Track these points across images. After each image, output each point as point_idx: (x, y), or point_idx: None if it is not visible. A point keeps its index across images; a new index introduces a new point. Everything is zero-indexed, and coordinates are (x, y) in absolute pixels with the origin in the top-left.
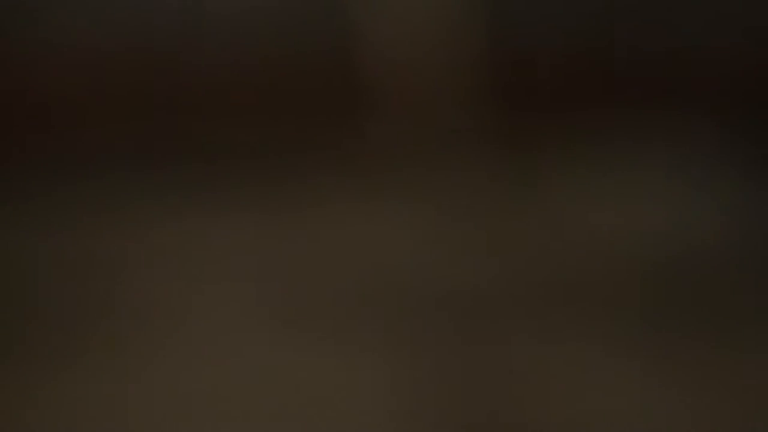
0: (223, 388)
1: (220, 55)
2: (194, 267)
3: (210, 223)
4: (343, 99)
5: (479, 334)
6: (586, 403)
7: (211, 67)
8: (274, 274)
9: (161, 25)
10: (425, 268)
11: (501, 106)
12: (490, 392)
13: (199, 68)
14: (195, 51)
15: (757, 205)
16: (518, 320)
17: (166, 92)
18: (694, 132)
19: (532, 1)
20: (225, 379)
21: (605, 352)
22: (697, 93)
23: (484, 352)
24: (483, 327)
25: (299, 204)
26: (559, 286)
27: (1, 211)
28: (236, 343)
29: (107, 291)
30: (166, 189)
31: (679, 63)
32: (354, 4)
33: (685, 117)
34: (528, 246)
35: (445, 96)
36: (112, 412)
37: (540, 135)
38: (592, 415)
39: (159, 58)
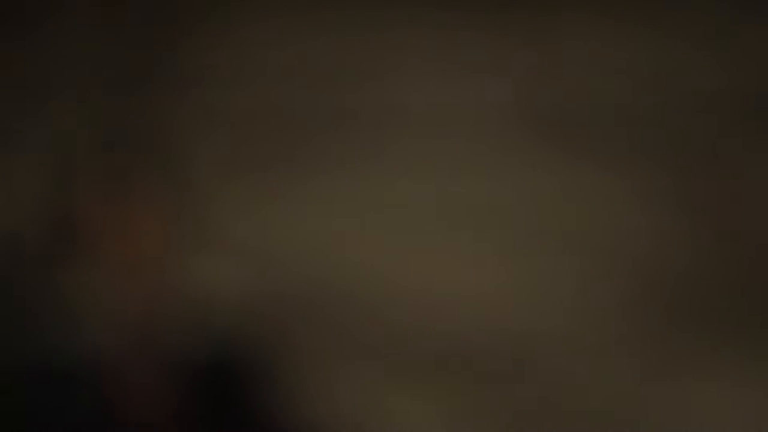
0: (473, 199)
1: None
2: (448, 74)
3: (465, 37)
4: None
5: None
6: None
7: None
8: (529, 91)
9: None
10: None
11: None
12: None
13: None
14: None
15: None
16: None
17: None
18: None
19: None
20: (474, 188)
21: None
22: None
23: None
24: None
25: (547, 28)
26: None
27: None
28: (491, 152)
29: (354, 98)
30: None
31: None
32: None
33: None
34: None
35: None
36: (365, 210)
37: None
38: None
39: None
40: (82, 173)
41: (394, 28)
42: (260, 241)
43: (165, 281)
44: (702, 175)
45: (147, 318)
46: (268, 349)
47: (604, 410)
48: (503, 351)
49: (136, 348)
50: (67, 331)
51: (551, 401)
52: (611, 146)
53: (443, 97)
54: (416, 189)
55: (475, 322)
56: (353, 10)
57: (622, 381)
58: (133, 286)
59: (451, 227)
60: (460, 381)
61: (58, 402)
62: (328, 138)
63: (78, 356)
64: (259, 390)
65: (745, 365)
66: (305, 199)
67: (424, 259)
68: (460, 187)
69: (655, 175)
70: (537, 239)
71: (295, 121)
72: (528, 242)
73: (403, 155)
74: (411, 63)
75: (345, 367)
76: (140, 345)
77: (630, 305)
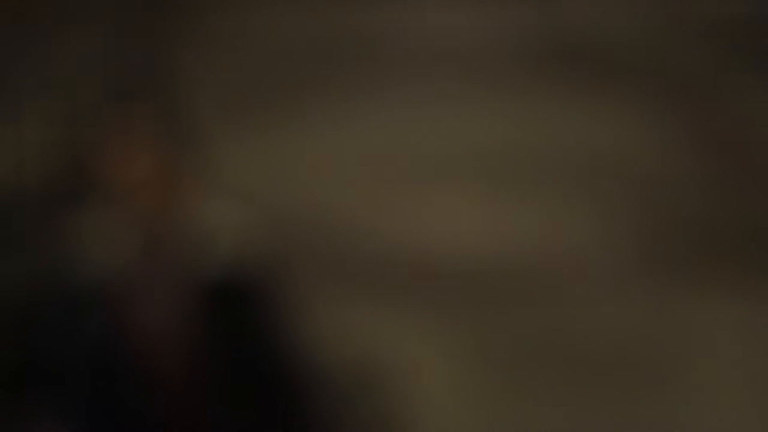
0: (473, 138)
1: None
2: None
3: None
4: None
5: None
6: None
7: None
8: (533, 23)
9: None
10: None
11: None
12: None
13: None
14: None
15: None
16: None
17: None
18: None
19: None
20: (475, 129)
21: None
22: None
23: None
24: None
25: None
26: None
27: None
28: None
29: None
30: None
31: None
32: None
33: None
34: None
35: None
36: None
37: None
38: None
39: None
40: (88, 114)
41: None
42: (263, 174)
43: (171, 215)
44: (706, 107)
45: (154, 248)
46: (269, 274)
47: (608, 330)
48: (506, 279)
49: (145, 274)
50: (76, 261)
51: (554, 326)
52: (617, 79)
53: (444, 28)
54: (416, 122)
55: (480, 250)
56: None
57: (629, 307)
58: (140, 221)
59: (453, 159)
60: (462, 306)
61: (70, 326)
62: (328, 71)
63: (88, 284)
64: (261, 310)
65: (744, 284)
66: (306, 135)
67: (427, 191)
68: (461, 119)
69: (663, 106)
70: (542, 172)
71: (291, 54)
72: (534, 176)
73: (403, 90)
74: None
75: (340, 290)
76: (148, 272)
77: (636, 233)
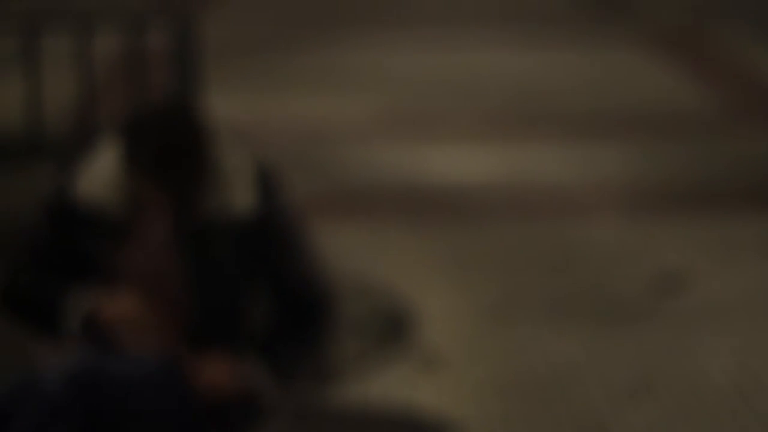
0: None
1: None
2: None
3: None
4: None
5: None
6: None
7: None
8: None
9: None
10: None
11: None
12: None
13: None
14: None
15: None
16: None
17: None
18: None
19: None
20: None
21: None
22: None
23: None
24: None
25: None
26: None
27: None
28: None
29: None
30: None
31: None
32: None
33: None
34: None
35: None
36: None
37: None
38: None
39: None
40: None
41: None
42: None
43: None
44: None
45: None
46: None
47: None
48: (507, 202)
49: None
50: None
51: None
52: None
53: None
54: (420, 59)
55: (487, 177)
56: None
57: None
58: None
59: (456, 93)
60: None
61: (83, 235)
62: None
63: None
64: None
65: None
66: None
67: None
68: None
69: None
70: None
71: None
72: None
73: (405, 32)
74: None
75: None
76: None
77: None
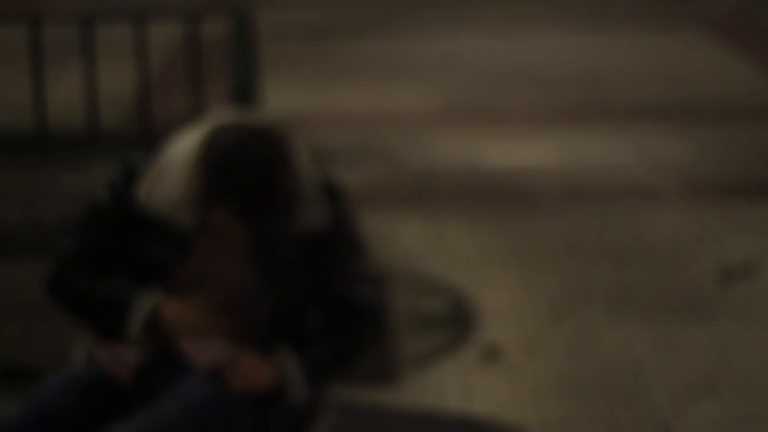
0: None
1: None
2: None
3: None
4: None
5: None
6: None
7: None
8: None
9: None
10: None
11: None
12: None
13: None
14: None
15: None
16: None
17: None
18: None
19: None
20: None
21: None
22: None
23: None
24: None
25: None
26: None
27: None
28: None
29: None
30: None
31: None
32: None
33: None
34: None
35: None
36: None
37: None
38: None
39: None
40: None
41: None
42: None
43: None
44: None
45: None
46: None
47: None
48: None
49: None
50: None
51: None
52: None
53: None
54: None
55: (524, 162)
56: None
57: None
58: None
59: (499, 83)
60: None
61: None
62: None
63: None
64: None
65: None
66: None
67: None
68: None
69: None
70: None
71: None
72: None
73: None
74: None
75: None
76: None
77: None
